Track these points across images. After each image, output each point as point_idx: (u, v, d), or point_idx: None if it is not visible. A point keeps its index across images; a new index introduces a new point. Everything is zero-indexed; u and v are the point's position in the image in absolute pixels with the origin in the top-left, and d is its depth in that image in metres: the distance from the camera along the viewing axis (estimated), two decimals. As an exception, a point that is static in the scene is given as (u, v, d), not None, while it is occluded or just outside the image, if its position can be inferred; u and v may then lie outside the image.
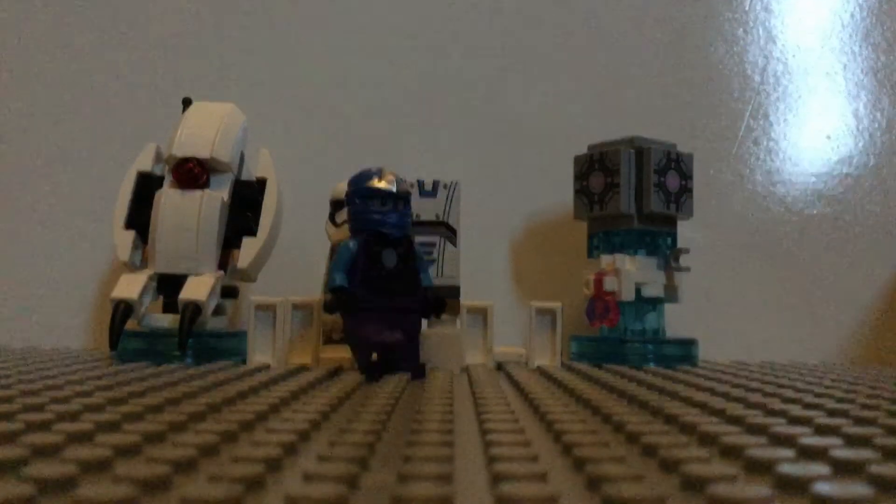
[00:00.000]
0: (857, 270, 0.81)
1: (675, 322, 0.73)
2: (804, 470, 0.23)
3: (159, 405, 0.34)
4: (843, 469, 0.24)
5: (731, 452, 0.27)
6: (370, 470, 0.24)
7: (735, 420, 0.33)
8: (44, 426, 0.28)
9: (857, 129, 0.83)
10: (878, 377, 0.54)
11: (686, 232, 0.71)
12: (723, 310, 0.80)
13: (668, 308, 0.70)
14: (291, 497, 0.19)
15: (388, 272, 0.53)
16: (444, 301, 0.54)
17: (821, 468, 0.24)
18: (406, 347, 0.51)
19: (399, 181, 0.53)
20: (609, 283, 0.65)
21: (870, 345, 0.80)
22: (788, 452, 0.26)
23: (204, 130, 0.62)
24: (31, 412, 0.31)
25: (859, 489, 0.21)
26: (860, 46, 0.84)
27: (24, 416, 0.30)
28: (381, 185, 0.53)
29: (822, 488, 0.21)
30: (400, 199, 0.53)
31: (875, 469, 0.23)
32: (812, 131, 0.83)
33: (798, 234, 0.82)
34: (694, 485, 0.22)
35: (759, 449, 0.26)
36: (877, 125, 0.83)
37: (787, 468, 0.23)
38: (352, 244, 0.53)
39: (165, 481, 0.21)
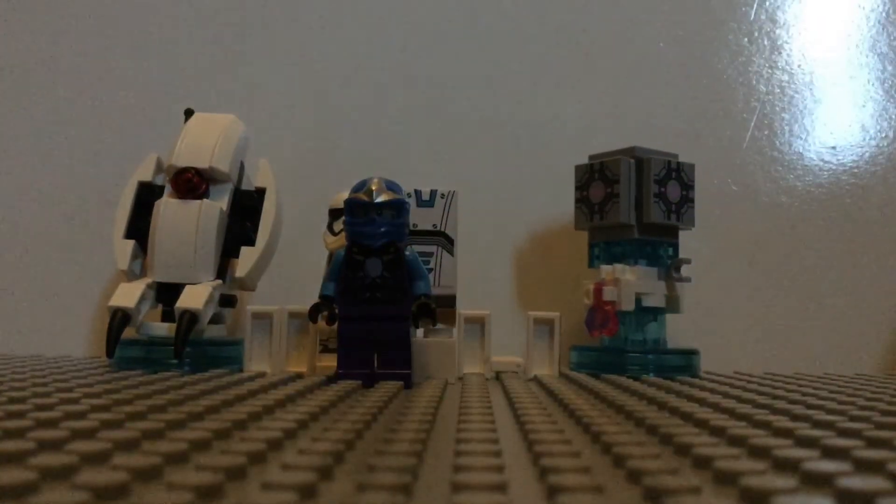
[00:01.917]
0: (863, 281, 0.80)
1: (680, 333, 0.72)
2: (828, 467, 0.25)
3: (141, 413, 0.34)
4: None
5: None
6: (332, 479, 0.24)
7: (735, 441, 0.33)
8: (17, 433, 0.29)
9: (864, 140, 0.83)
10: (881, 387, 0.54)
11: (690, 242, 0.71)
12: (726, 321, 0.80)
13: (673, 319, 0.69)
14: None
15: (371, 281, 0.53)
16: (430, 308, 0.53)
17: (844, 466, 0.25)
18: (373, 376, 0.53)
19: (385, 190, 0.53)
20: (608, 293, 0.65)
21: (876, 356, 0.80)
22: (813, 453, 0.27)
23: (203, 141, 0.62)
24: (11, 419, 0.31)
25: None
26: (867, 56, 0.84)
27: (3, 423, 0.30)
28: (359, 196, 0.53)
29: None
30: (378, 208, 0.53)
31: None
32: (818, 141, 0.83)
33: (803, 245, 0.81)
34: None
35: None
36: (883, 135, 0.83)
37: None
38: (341, 254, 0.54)
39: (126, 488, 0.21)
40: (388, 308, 0.53)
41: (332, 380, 0.53)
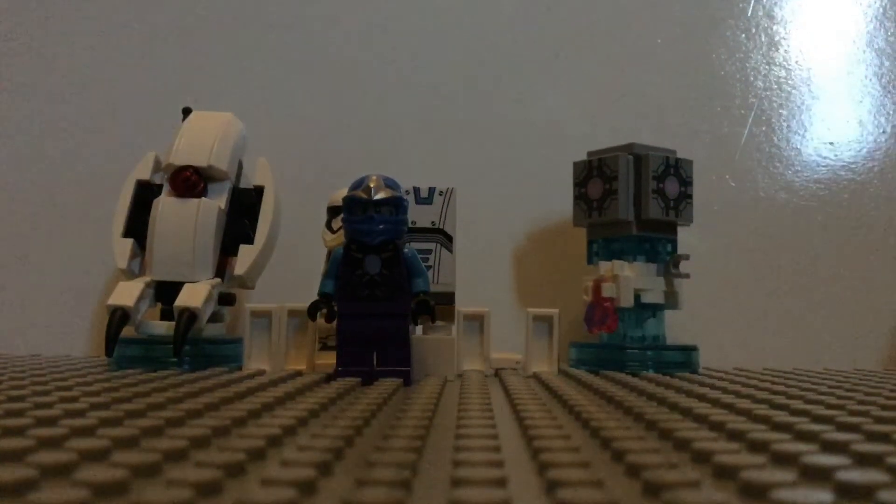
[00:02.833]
0: (862, 277, 0.81)
1: (679, 329, 0.72)
2: (827, 461, 0.25)
3: (140, 410, 0.34)
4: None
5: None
6: (332, 475, 0.24)
7: (719, 428, 0.33)
8: (17, 431, 0.29)
9: (861, 135, 0.83)
10: (880, 382, 0.54)
11: (688, 238, 0.71)
12: (726, 317, 0.80)
13: (673, 315, 0.69)
14: (242, 503, 0.19)
15: (370, 278, 0.53)
16: (429, 306, 0.53)
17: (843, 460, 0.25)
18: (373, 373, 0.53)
19: (383, 188, 0.53)
20: (607, 290, 0.65)
21: (875, 351, 0.80)
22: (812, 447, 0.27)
23: (202, 139, 0.62)
24: (10, 417, 0.31)
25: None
26: (864, 52, 0.84)
27: (3, 421, 0.30)
28: (357, 193, 0.53)
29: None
30: (377, 205, 0.52)
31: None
32: (815, 137, 0.83)
33: (802, 241, 0.81)
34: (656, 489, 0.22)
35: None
36: (881, 130, 0.83)
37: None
38: (340, 252, 0.53)
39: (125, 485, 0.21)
40: (386, 305, 0.53)
41: (331, 377, 0.53)
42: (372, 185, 0.53)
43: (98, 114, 0.82)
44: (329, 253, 0.66)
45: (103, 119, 0.82)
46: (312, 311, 0.54)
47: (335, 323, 0.64)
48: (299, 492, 0.21)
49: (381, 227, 0.53)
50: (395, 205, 0.53)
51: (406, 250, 0.54)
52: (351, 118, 0.82)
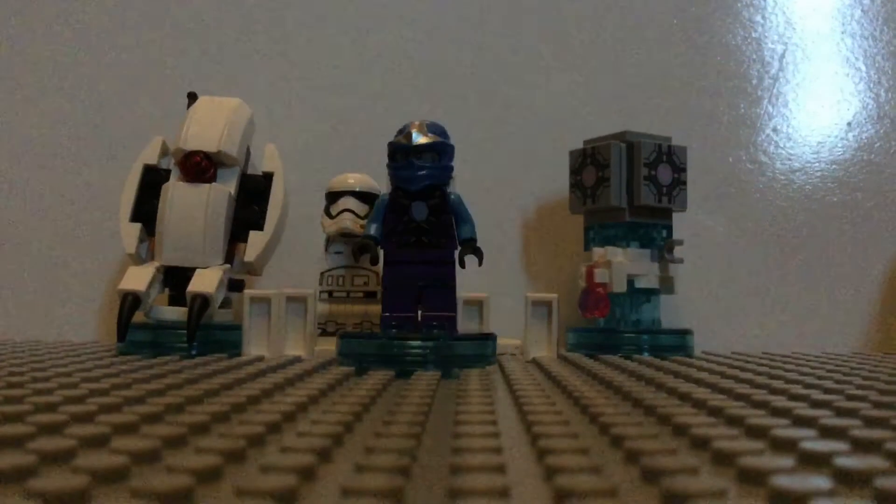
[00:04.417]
0: (862, 260, 0.81)
1: (682, 314, 0.73)
2: (824, 447, 0.25)
3: (139, 397, 0.34)
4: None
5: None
6: (332, 461, 0.24)
7: (733, 421, 0.33)
8: (17, 417, 0.29)
9: (878, 116, 0.83)
10: (878, 366, 0.54)
11: (705, 220, 0.71)
12: (727, 301, 0.80)
13: (675, 300, 0.69)
14: (242, 489, 0.19)
15: (417, 225, 0.53)
16: (479, 249, 0.53)
17: (841, 445, 0.25)
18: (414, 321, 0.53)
19: (426, 133, 0.52)
20: (600, 275, 0.66)
21: (870, 333, 0.80)
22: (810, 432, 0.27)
23: (212, 124, 0.62)
24: (9, 404, 0.31)
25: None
26: (881, 31, 0.84)
27: (2, 408, 0.30)
28: (398, 139, 0.53)
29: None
30: (417, 151, 0.52)
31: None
32: (832, 118, 0.83)
33: (818, 223, 0.81)
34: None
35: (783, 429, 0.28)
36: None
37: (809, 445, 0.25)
38: (385, 196, 0.54)
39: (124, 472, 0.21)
40: (433, 252, 0.53)
41: (329, 364, 0.53)
42: (413, 131, 0.53)
43: (104, 97, 0.82)
44: (328, 239, 0.66)
45: (109, 103, 0.82)
46: (359, 252, 0.54)
47: (330, 308, 0.64)
48: (299, 478, 0.21)
49: (421, 172, 0.52)
50: (438, 150, 0.53)
51: (452, 196, 0.54)
52: (350, 105, 0.82)
